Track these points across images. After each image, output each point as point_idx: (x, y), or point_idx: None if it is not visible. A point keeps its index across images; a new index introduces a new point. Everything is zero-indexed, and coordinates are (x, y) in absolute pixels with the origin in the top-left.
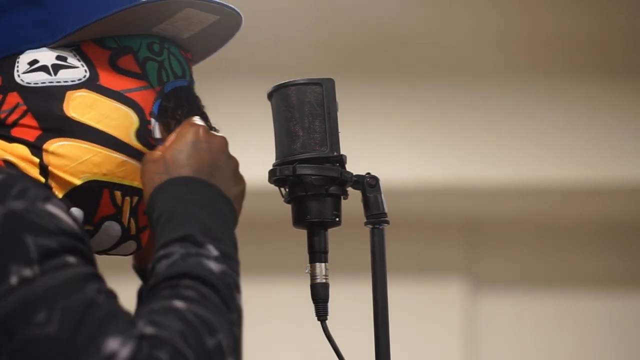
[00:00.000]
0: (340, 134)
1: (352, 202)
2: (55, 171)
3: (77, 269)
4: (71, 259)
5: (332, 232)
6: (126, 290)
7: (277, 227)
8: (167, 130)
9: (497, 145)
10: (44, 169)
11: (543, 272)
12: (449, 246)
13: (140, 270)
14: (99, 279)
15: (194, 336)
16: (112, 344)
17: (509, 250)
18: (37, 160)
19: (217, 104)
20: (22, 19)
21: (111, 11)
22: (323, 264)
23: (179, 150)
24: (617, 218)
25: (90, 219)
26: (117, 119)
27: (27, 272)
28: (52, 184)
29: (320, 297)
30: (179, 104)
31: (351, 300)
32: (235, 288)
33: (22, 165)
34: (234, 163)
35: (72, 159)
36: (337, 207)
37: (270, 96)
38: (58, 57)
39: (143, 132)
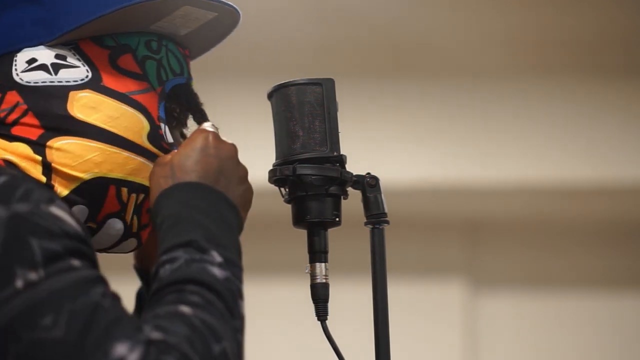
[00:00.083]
0: (340, 134)
1: (352, 202)
2: (60, 167)
3: (81, 272)
4: (76, 262)
5: (332, 232)
6: (126, 290)
7: (277, 227)
8: (169, 127)
9: (498, 145)
10: (46, 166)
11: (543, 272)
12: (449, 246)
13: (141, 270)
14: (103, 282)
15: (200, 342)
16: (120, 349)
17: (509, 250)
18: (39, 158)
19: (217, 103)
20: (20, 17)
21: (110, 9)
22: (323, 264)
23: (186, 155)
24: (618, 218)
25: (94, 216)
26: (127, 122)
27: (33, 276)
28: (56, 181)
29: (320, 297)
30: (178, 103)
31: (351, 300)
32: (238, 295)
33: (23, 164)
34: (242, 170)
35: (78, 156)
36: (337, 207)
37: (270, 96)
38: (57, 56)
39: (155, 136)
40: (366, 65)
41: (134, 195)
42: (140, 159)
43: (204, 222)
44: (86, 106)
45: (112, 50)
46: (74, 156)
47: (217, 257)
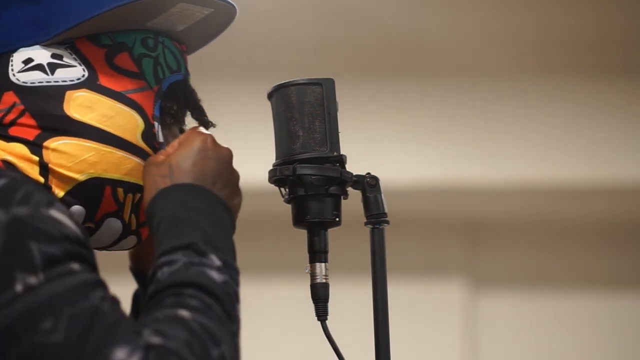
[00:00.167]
0: (340, 134)
1: (352, 202)
2: (57, 168)
3: (81, 276)
4: (75, 266)
5: (332, 232)
6: (124, 290)
7: (277, 227)
8: (164, 127)
9: (498, 145)
10: (44, 167)
11: (543, 272)
12: (449, 246)
13: (137, 271)
14: (102, 285)
15: (199, 346)
16: (120, 354)
17: (509, 250)
18: (36, 158)
19: (217, 103)
20: (16, 17)
21: (105, 8)
22: (323, 264)
23: (184, 156)
24: (618, 218)
25: (92, 216)
26: (122, 120)
27: (32, 280)
28: (53, 182)
29: (320, 297)
30: (175, 101)
31: (351, 300)
32: (235, 298)
33: (21, 164)
34: (236, 176)
35: (74, 156)
36: (337, 207)
37: (270, 96)
38: (53, 56)
39: (149, 135)
40: (366, 65)
41: (130, 195)
42: (134, 159)
43: (202, 224)
44: (82, 106)
45: (109, 49)
46: (70, 157)
47: (216, 261)
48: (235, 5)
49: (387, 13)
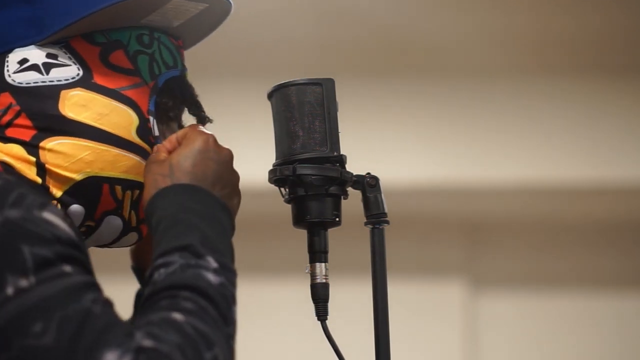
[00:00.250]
0: (340, 134)
1: (352, 202)
2: (54, 169)
3: (73, 278)
4: (67, 268)
5: (332, 232)
6: (124, 290)
7: (277, 227)
8: (161, 122)
9: (498, 145)
10: (41, 167)
11: (543, 272)
12: (449, 246)
13: (138, 269)
14: (95, 287)
15: (192, 350)
16: (110, 356)
17: (509, 250)
18: (33, 159)
19: (217, 103)
20: (10, 17)
21: (99, 6)
22: (323, 264)
23: (185, 156)
24: (619, 218)
25: (92, 214)
26: (116, 117)
27: (23, 283)
28: (51, 182)
29: (320, 297)
30: (171, 97)
31: (351, 300)
32: (232, 300)
33: (18, 165)
34: (236, 177)
35: (70, 156)
36: (337, 207)
37: (270, 96)
38: (48, 55)
39: (144, 130)
40: (366, 65)
41: (129, 192)
42: (131, 156)
43: (200, 226)
44: (77, 104)
45: (103, 47)
46: (66, 156)
47: (213, 263)
48: (230, 0)
49: (387, 13)
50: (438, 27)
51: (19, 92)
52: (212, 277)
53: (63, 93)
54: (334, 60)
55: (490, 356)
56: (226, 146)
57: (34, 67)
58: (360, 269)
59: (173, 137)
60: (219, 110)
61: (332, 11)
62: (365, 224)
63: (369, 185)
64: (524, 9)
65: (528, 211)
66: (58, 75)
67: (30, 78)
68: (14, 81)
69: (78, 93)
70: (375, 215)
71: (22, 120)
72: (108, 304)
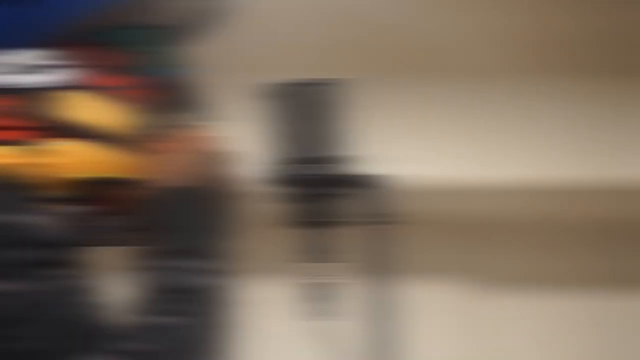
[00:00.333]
0: (342, 134)
1: (352, 203)
2: (52, 170)
3: (60, 281)
4: (57, 271)
5: (330, 232)
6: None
7: (278, 227)
8: (159, 121)
9: (498, 145)
10: (37, 169)
11: (545, 272)
12: (449, 246)
13: None
14: (85, 290)
15: (177, 353)
16: None
17: (509, 250)
18: (30, 161)
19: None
20: (5, 18)
21: (94, 7)
22: (323, 264)
23: (183, 157)
24: (619, 218)
25: (92, 215)
26: (114, 117)
27: (12, 286)
28: (49, 184)
29: (320, 297)
30: (170, 95)
31: (352, 301)
32: (224, 302)
33: (16, 167)
34: (235, 179)
35: (67, 157)
36: (337, 207)
37: (272, 96)
38: (45, 57)
39: (142, 129)
40: (370, 66)
41: (128, 192)
42: (130, 155)
43: (195, 227)
44: (74, 106)
45: (102, 48)
46: (64, 157)
47: (207, 265)
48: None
49: (387, 13)
50: (438, 27)
51: (14, 94)
52: (205, 279)
53: (60, 94)
54: (335, 60)
55: (490, 356)
56: (226, 146)
57: (30, 69)
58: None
59: (173, 137)
60: (219, 110)
61: (332, 11)
62: (366, 224)
63: (369, 185)
64: (524, 9)
65: (528, 211)
66: (54, 77)
67: (27, 80)
68: (12, 83)
69: (75, 94)
70: (375, 215)
71: (20, 123)
72: (98, 307)
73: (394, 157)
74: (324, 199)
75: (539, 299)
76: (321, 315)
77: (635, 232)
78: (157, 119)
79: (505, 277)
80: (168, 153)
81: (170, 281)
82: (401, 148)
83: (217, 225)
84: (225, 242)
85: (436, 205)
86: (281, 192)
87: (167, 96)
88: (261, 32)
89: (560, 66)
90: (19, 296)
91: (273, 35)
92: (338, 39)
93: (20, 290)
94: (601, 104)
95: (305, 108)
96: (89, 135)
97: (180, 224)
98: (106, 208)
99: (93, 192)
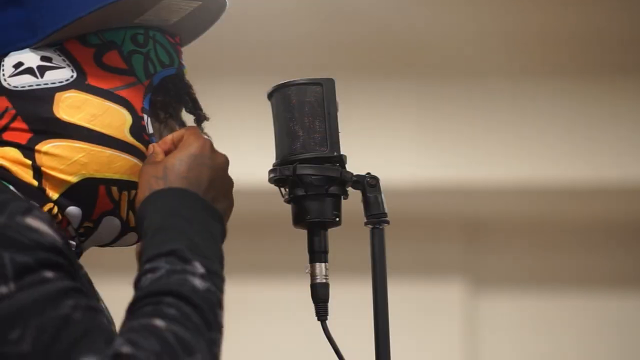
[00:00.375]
0: (340, 134)
1: (352, 202)
2: (49, 171)
3: (54, 285)
4: (49, 274)
5: (332, 232)
6: (125, 290)
7: (277, 227)
8: (157, 121)
9: (498, 145)
10: (37, 170)
11: (543, 272)
12: (449, 246)
13: None
14: (77, 293)
15: (170, 357)
16: None
17: (509, 250)
18: (29, 162)
19: (217, 103)
20: (4, 20)
21: (90, 9)
22: (323, 264)
23: (180, 159)
24: (619, 218)
25: (89, 215)
26: (109, 118)
27: (3, 289)
28: (47, 185)
29: (320, 297)
30: (167, 95)
31: (351, 300)
32: (218, 306)
33: (15, 169)
34: (229, 184)
35: (65, 158)
36: (337, 207)
37: (270, 96)
38: (43, 58)
39: (137, 129)
40: (366, 65)
41: (125, 193)
42: (125, 156)
43: (188, 231)
44: (71, 106)
45: (97, 48)
46: (61, 159)
47: (200, 268)
48: None
49: (388, 13)
50: (438, 27)
51: (14, 95)
52: (198, 283)
53: (57, 95)
54: (334, 60)
55: (490, 356)
56: (227, 146)
57: (29, 71)
58: (360, 269)
59: (168, 138)
60: (219, 110)
61: (332, 11)
62: (365, 224)
63: (369, 185)
64: (524, 8)
65: (528, 211)
66: (52, 77)
67: (25, 81)
68: (10, 85)
69: (72, 95)
70: (375, 215)
71: (18, 124)
72: (90, 310)
73: (393, 157)
74: (322, 199)
75: (539, 299)
76: (321, 315)
77: (635, 232)
78: (155, 120)
79: (505, 277)
80: (165, 153)
81: (164, 283)
82: (400, 148)
83: (213, 227)
84: (220, 244)
85: (436, 205)
86: (281, 192)
87: (164, 97)
88: (260, 32)
89: (561, 66)
90: (12, 299)
91: (272, 36)
92: (338, 39)
93: (12, 293)
94: (601, 104)
95: (300, 108)
96: (85, 136)
97: (176, 225)
98: (103, 209)
99: (91, 193)
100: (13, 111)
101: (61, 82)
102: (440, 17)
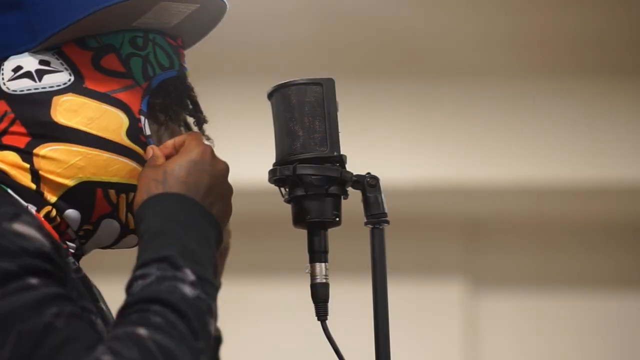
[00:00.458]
0: (340, 134)
1: (352, 202)
2: (47, 175)
3: (38, 292)
4: (33, 281)
5: (332, 232)
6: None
7: (277, 227)
8: (157, 123)
9: (498, 145)
10: (35, 174)
11: (543, 272)
12: (449, 246)
13: None
14: (62, 300)
15: None
16: None
17: (509, 250)
18: (27, 165)
19: (217, 104)
20: (4, 24)
21: (86, 12)
22: (323, 264)
23: (180, 164)
24: (619, 218)
25: (88, 218)
26: (106, 121)
27: None
28: (45, 188)
29: (320, 297)
30: (167, 97)
31: (351, 300)
32: (208, 313)
33: (13, 172)
34: (229, 191)
35: (62, 162)
36: (337, 207)
37: (270, 96)
38: (41, 62)
39: (134, 131)
40: (366, 65)
41: (123, 196)
42: (121, 159)
43: (183, 237)
44: (68, 110)
45: (95, 52)
46: (59, 162)
47: (190, 275)
48: None
49: (387, 13)
50: (438, 27)
51: (13, 99)
52: (188, 290)
53: (55, 99)
54: (334, 60)
55: (490, 356)
56: (227, 146)
57: (27, 74)
58: (360, 269)
59: (170, 143)
60: (219, 110)
61: (332, 12)
62: (366, 224)
63: (369, 185)
64: (525, 8)
65: (528, 211)
66: (50, 81)
67: (23, 85)
68: (9, 89)
69: (69, 98)
70: (375, 215)
71: (17, 128)
72: (74, 317)
73: (393, 157)
74: (322, 199)
75: (539, 299)
76: (321, 315)
77: (635, 232)
78: (154, 123)
79: (505, 277)
80: (166, 157)
81: (153, 290)
82: (400, 148)
83: (209, 233)
84: (216, 251)
85: (436, 205)
86: (281, 192)
87: (164, 99)
88: (260, 32)
89: (561, 66)
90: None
91: (272, 36)
92: (338, 39)
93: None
94: (601, 104)
95: (300, 108)
96: (82, 139)
97: (172, 231)
98: (102, 212)
99: (89, 196)
100: (12, 115)
101: (59, 85)
102: (440, 18)
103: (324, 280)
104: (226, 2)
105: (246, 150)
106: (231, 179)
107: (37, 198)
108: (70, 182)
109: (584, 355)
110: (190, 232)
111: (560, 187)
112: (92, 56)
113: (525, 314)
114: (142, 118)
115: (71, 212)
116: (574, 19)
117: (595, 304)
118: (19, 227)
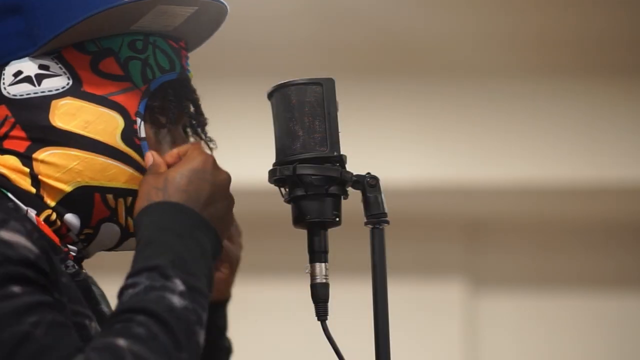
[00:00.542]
0: (340, 134)
1: (352, 202)
2: (46, 180)
3: (19, 300)
4: (15, 289)
5: (332, 232)
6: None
7: (277, 227)
8: (157, 126)
9: (498, 145)
10: (34, 178)
11: (544, 272)
12: (449, 246)
13: None
14: (45, 308)
15: None
16: None
17: (509, 250)
18: (27, 170)
19: (217, 104)
20: (4, 30)
21: (83, 16)
22: (323, 264)
23: (182, 173)
24: (619, 218)
25: (87, 222)
26: (102, 124)
27: None
28: (44, 192)
29: (320, 297)
30: (166, 100)
31: (351, 300)
32: (197, 324)
33: (14, 176)
34: (229, 201)
35: (60, 167)
36: (337, 207)
37: (270, 96)
38: (41, 67)
39: (128, 133)
40: (366, 65)
41: (121, 200)
42: (116, 163)
43: (178, 247)
44: (66, 114)
45: (94, 55)
46: (57, 167)
47: (180, 286)
48: (222, 1)
49: (387, 13)
50: (438, 27)
51: (13, 104)
52: (176, 300)
53: (53, 103)
54: (334, 60)
55: (490, 356)
56: (227, 146)
57: (27, 79)
58: (360, 269)
59: (174, 152)
60: (219, 110)
61: (332, 12)
62: (366, 224)
63: (369, 185)
64: (525, 8)
65: (528, 211)
66: (49, 85)
67: (23, 90)
68: (9, 93)
69: (67, 102)
70: (375, 215)
71: (17, 132)
72: (55, 326)
73: (393, 157)
74: (322, 199)
75: (539, 299)
76: (321, 315)
77: (635, 232)
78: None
79: (505, 277)
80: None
81: (140, 300)
82: (400, 148)
83: (205, 244)
84: (212, 262)
85: (436, 205)
86: (281, 192)
87: (163, 102)
88: (261, 33)
89: (562, 66)
90: None
91: (272, 36)
92: (338, 39)
93: None
94: (601, 104)
95: (300, 108)
96: (79, 143)
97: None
98: (101, 216)
99: (87, 201)
100: (12, 119)
101: (57, 89)
102: (440, 18)
103: (324, 280)
104: (226, 4)
105: (246, 150)
106: (231, 178)
107: (37, 202)
108: (68, 188)
109: (584, 355)
110: (185, 242)
111: (560, 187)
112: (91, 60)
113: (525, 314)
114: (138, 120)
115: (70, 217)
116: (574, 19)
117: (595, 304)
118: (4, 234)
